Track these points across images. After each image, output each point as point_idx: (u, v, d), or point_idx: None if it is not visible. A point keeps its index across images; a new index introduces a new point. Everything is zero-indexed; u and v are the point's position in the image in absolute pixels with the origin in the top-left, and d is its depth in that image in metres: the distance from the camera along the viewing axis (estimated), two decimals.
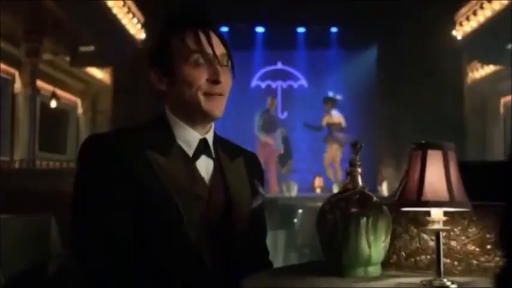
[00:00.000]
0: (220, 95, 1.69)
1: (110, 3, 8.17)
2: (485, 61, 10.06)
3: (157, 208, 1.59)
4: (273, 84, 14.22)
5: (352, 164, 1.59)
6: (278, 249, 6.08)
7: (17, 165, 7.88)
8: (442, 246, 1.42)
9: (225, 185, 1.72)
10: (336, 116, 12.33)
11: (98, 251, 1.55)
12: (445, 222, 1.44)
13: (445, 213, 1.44)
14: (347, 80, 13.40)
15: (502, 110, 10.91)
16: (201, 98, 1.66)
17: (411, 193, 1.43)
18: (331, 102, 12.30)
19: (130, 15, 9.07)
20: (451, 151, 1.44)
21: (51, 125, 9.75)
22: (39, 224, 4.44)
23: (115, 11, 8.42)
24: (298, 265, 1.76)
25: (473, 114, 11.11)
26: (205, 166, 1.71)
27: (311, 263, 1.76)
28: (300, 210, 7.12)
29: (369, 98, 12.97)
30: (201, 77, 1.66)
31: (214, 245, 1.64)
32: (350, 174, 1.59)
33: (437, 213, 1.43)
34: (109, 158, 1.59)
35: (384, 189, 10.84)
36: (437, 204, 1.40)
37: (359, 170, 1.59)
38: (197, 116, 1.69)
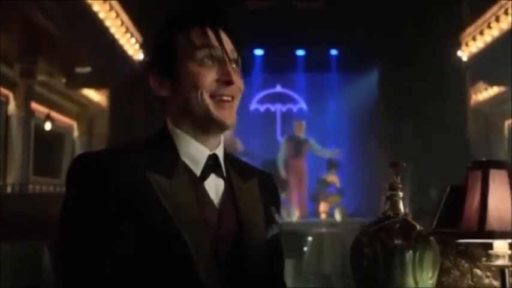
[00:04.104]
0: (232, 99, 1.46)
1: (107, 23, 7.99)
2: (492, 83, 9.89)
3: (161, 239, 1.35)
4: (272, 108, 14.07)
5: (392, 187, 1.36)
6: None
7: (9, 189, 7.66)
8: (508, 286, 1.18)
9: (236, 209, 1.48)
10: None
11: None
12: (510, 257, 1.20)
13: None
14: (348, 103, 13.25)
15: (506, 132, 10.74)
16: (209, 102, 1.42)
17: (470, 222, 1.18)
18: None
19: (128, 35, 8.89)
20: None
21: (46, 148, 9.54)
22: (30, 252, 4.25)
23: (112, 30, 8.24)
24: None
25: (477, 136, 10.94)
26: (214, 187, 1.47)
27: None
28: (308, 238, 6.91)
29: (371, 121, 12.79)
30: (209, 76, 1.43)
31: (224, 280, 1.41)
32: (390, 200, 1.36)
33: (501, 245, 1.18)
34: (103, 181, 1.34)
35: None
36: (505, 235, 1.16)
37: (400, 194, 1.36)
38: (206, 126, 1.45)
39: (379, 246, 1.28)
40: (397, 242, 1.27)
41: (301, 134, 12.13)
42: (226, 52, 1.44)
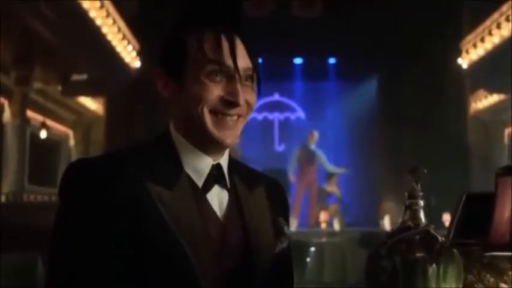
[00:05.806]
0: (238, 117, 1.35)
1: (104, 29, 7.91)
2: (492, 90, 9.83)
3: (162, 256, 1.27)
4: (270, 116, 13.99)
5: (412, 195, 1.26)
6: None
7: (3, 198, 7.57)
8: None
9: (242, 220, 1.40)
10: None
11: None
12: None
13: None
14: (346, 112, 13.19)
15: (506, 140, 10.68)
16: (208, 118, 1.32)
17: (501, 233, 1.09)
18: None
19: (125, 42, 8.82)
20: None
21: (42, 157, 9.47)
22: (25, 263, 4.18)
23: (109, 37, 8.17)
24: None
25: (477, 145, 10.88)
26: (218, 199, 1.38)
27: None
28: (311, 248, 6.81)
29: (370, 130, 12.73)
30: (214, 92, 1.32)
31: None
32: (409, 209, 1.26)
33: None
34: (98, 189, 1.26)
35: (386, 223, 10.53)
36: None
37: (421, 203, 1.26)
38: (203, 142, 1.36)
39: (399, 259, 1.19)
40: (419, 254, 1.18)
41: (312, 145, 12.03)
42: (237, 70, 1.33)
